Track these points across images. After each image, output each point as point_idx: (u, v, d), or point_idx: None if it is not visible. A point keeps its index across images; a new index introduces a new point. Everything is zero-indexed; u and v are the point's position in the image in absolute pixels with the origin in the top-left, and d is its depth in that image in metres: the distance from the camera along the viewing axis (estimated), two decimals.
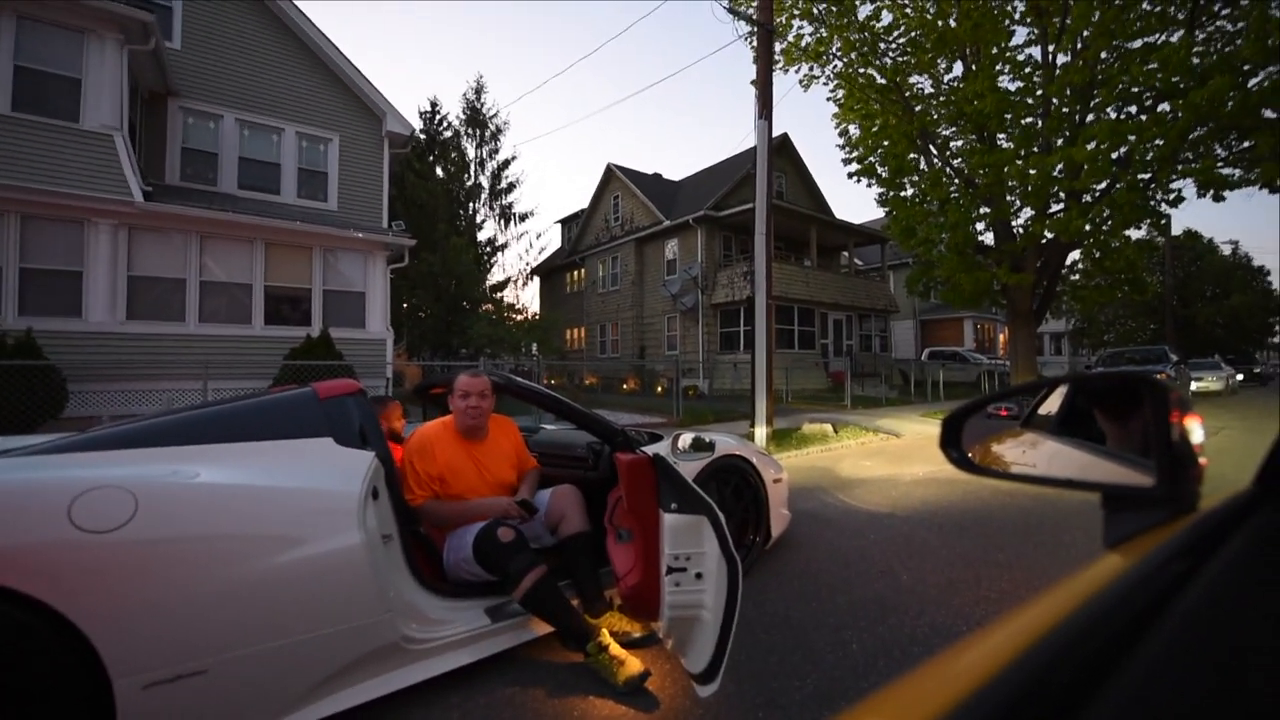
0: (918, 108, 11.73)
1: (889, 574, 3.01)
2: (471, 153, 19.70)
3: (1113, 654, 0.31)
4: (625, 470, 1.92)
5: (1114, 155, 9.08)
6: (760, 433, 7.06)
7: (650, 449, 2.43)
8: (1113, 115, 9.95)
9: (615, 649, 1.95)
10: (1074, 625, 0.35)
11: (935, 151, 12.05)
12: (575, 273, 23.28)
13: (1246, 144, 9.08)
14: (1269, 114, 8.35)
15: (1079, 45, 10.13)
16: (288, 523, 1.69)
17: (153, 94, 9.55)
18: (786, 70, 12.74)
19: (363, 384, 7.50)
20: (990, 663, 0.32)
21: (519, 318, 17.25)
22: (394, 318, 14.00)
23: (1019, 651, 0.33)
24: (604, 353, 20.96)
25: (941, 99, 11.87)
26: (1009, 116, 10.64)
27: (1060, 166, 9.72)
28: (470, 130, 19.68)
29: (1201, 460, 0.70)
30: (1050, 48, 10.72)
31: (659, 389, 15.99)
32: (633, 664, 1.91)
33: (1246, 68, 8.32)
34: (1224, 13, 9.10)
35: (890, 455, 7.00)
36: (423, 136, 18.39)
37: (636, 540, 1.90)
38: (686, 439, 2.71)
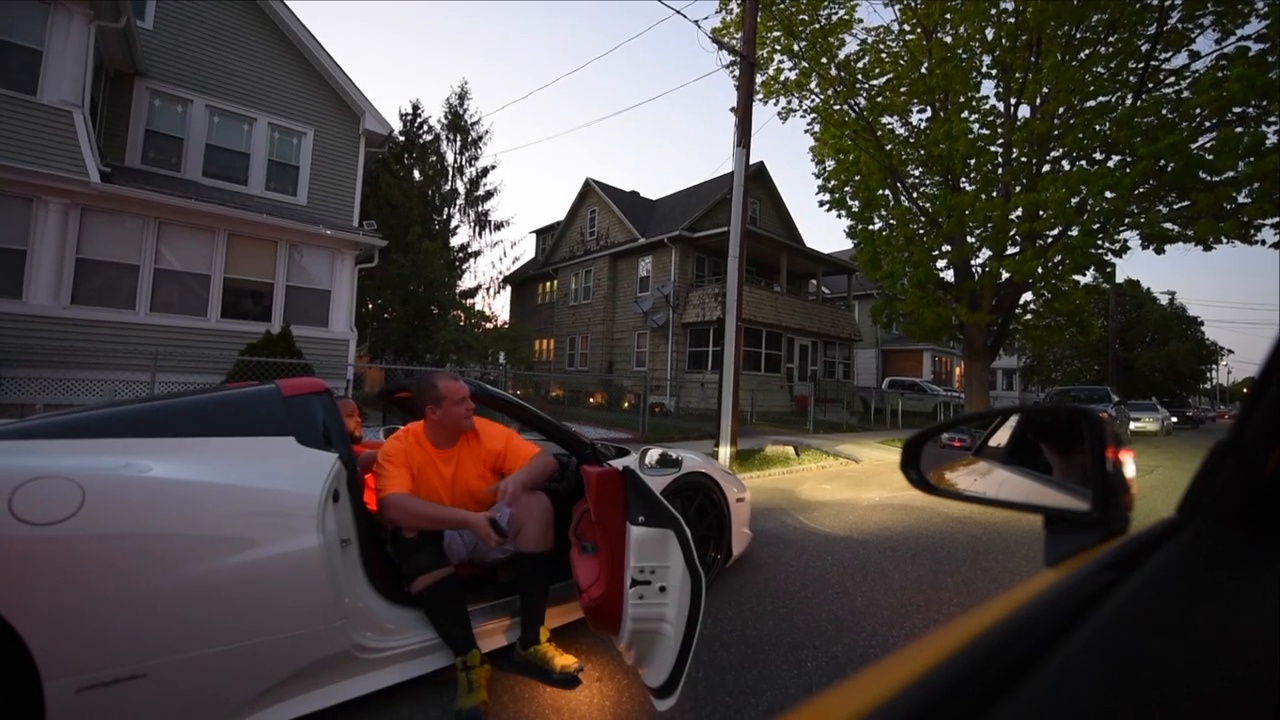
0: (889, 147, 12.23)
1: (844, 595, 3.08)
2: (451, 158, 19.56)
3: (1032, 656, 0.35)
4: (594, 482, 1.93)
5: (1070, 202, 9.64)
6: (724, 452, 7.14)
7: (618, 463, 2.44)
8: (1068, 166, 10.59)
9: (551, 645, 2.11)
10: (1000, 631, 0.39)
11: (903, 189, 12.57)
12: (548, 284, 23.21)
13: (1185, 203, 9.76)
14: (1206, 176, 9.01)
15: (1039, 100, 10.78)
16: (243, 523, 1.64)
17: (119, 73, 9.22)
18: (766, 101, 13.15)
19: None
20: (919, 666, 0.35)
21: (488, 326, 17.07)
22: (358, 318, 13.67)
23: (948, 654, 0.36)
24: (573, 365, 20.88)
25: (911, 141, 12.41)
26: (972, 162, 11.20)
27: (1018, 211, 10.25)
28: (451, 135, 19.56)
29: (1132, 489, 0.76)
30: (1013, 100, 11.38)
31: (626, 404, 16.00)
32: (569, 658, 2.08)
33: (1186, 130, 9.00)
34: (1169, 80, 9.84)
35: (849, 480, 7.16)
36: (402, 138, 18.17)
37: (601, 553, 1.91)
38: (654, 454, 2.74)
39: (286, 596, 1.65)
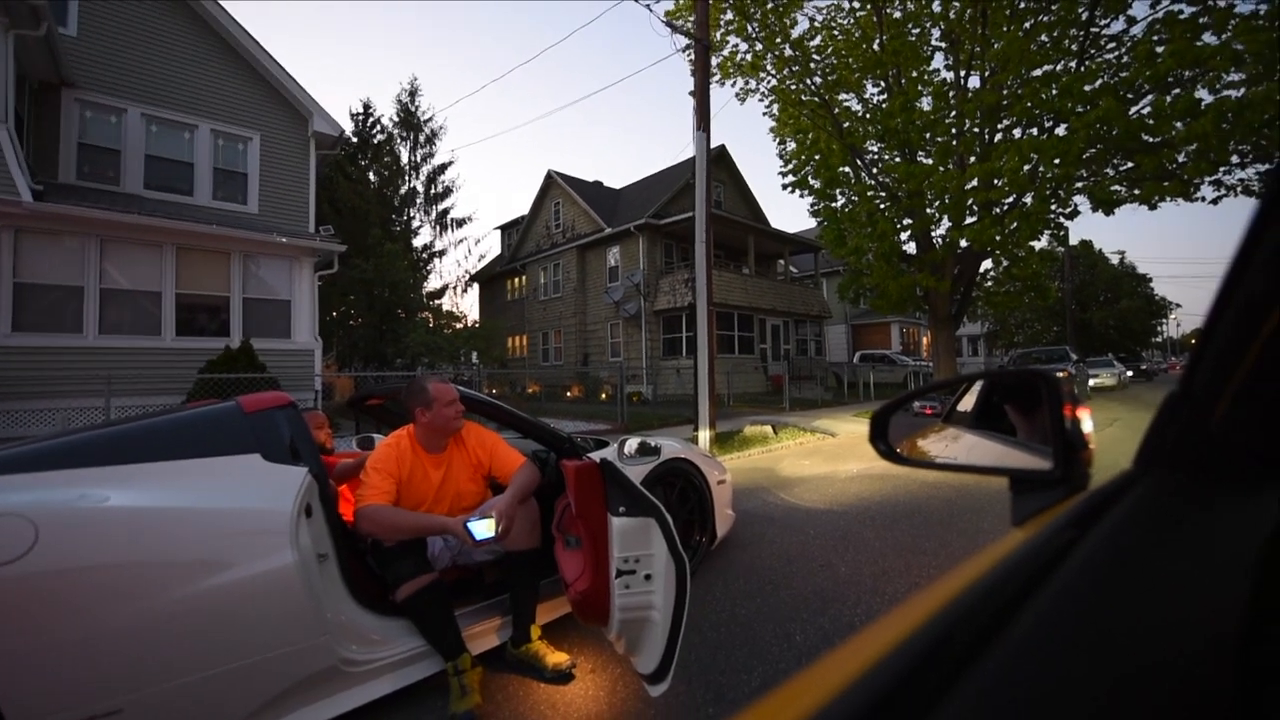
0: (846, 124, 12.36)
1: (828, 567, 3.14)
2: (405, 157, 19.12)
3: (1001, 617, 0.35)
4: (573, 476, 1.92)
5: (1022, 171, 9.91)
6: (704, 436, 7.19)
7: (597, 455, 2.44)
8: (1019, 135, 10.86)
9: (543, 643, 2.12)
10: (971, 595, 0.39)
11: (863, 165, 12.74)
12: (516, 280, 22.95)
13: (1130, 165, 10.12)
14: (1148, 139, 9.36)
15: (989, 72, 11.01)
16: (213, 546, 1.59)
17: (45, 84, 8.72)
18: (724, 83, 13.15)
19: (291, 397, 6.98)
20: (889, 641, 0.36)
21: (458, 325, 16.81)
22: (323, 327, 13.30)
23: (922, 622, 0.37)
24: (547, 360, 20.75)
25: (867, 116, 12.56)
26: (928, 135, 11.40)
27: (974, 181, 10.50)
28: (404, 133, 19.10)
29: (1091, 446, 0.79)
30: (963, 73, 11.60)
31: (603, 395, 15.99)
32: (562, 655, 2.09)
33: (1129, 96, 9.31)
34: (1109, 46, 10.13)
35: (827, 454, 7.30)
36: (354, 139, 17.66)
37: (585, 546, 1.91)
38: (633, 444, 2.74)
39: (264, 617, 1.60)
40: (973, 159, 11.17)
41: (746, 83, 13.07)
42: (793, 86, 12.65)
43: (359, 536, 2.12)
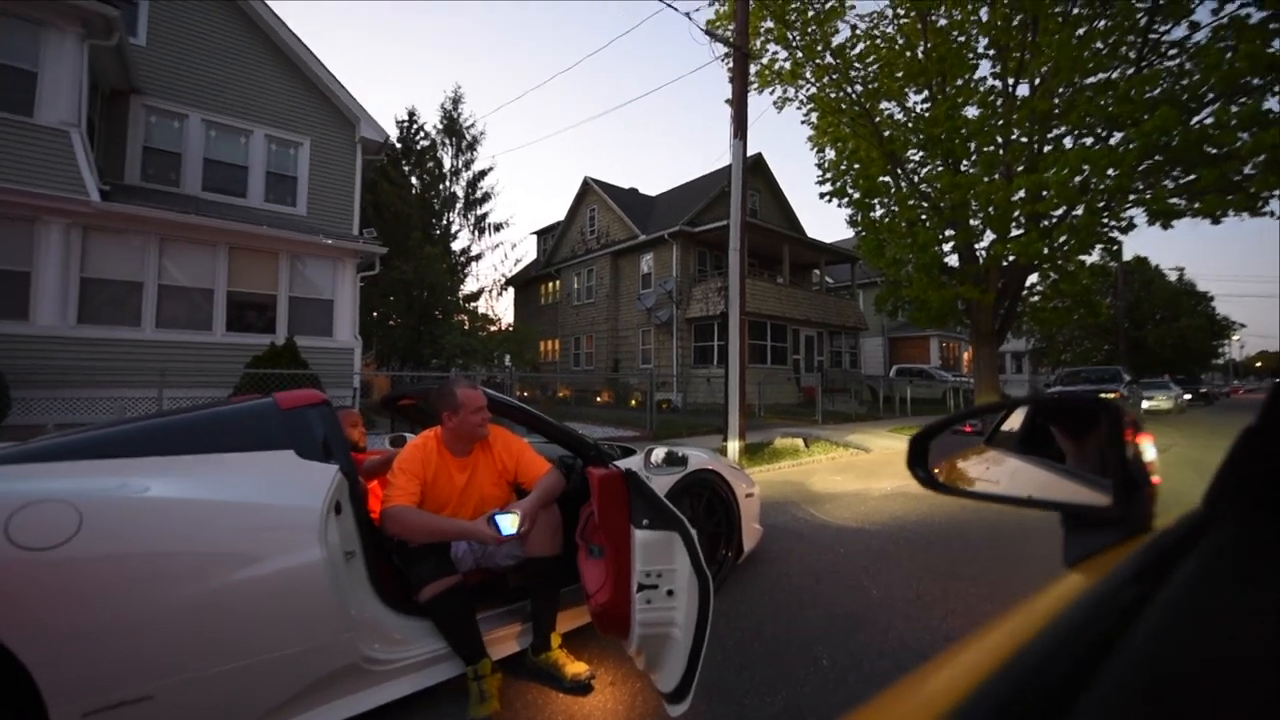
0: (887, 133, 12.11)
1: (859, 588, 3.04)
2: (448, 162, 19.56)
3: (1077, 677, 0.31)
4: (597, 485, 1.90)
5: (1072, 182, 9.52)
6: (733, 447, 7.10)
7: (623, 463, 2.41)
8: (1070, 145, 10.44)
9: (563, 651, 2.09)
10: (1038, 648, 0.35)
11: (903, 175, 12.45)
12: (550, 284, 23.21)
13: (1191, 177, 9.60)
14: (1211, 150, 8.87)
15: (1039, 79, 10.64)
16: (244, 539, 1.62)
17: (114, 91, 9.25)
18: (761, 91, 13.04)
19: (329, 394, 7.28)
20: (956, 687, 0.33)
21: (493, 328, 17.08)
22: (363, 326, 13.67)
23: (985, 675, 0.33)
24: (578, 365, 20.88)
25: (910, 125, 12.29)
26: (973, 144, 11.07)
27: (1021, 193, 10.13)
28: (447, 140, 19.56)
29: (1154, 479, 0.72)
30: (1011, 80, 11.24)
31: (633, 402, 15.98)
32: (581, 666, 2.06)
33: (1191, 105, 8.86)
34: (1171, 53, 9.67)
35: (860, 470, 7.11)
36: (398, 145, 18.20)
37: (608, 556, 1.88)
38: (659, 453, 2.70)
39: (291, 611, 1.63)
40: (1020, 169, 10.79)
41: (785, 91, 12.95)
42: (832, 95, 12.47)
43: (385, 536, 2.15)
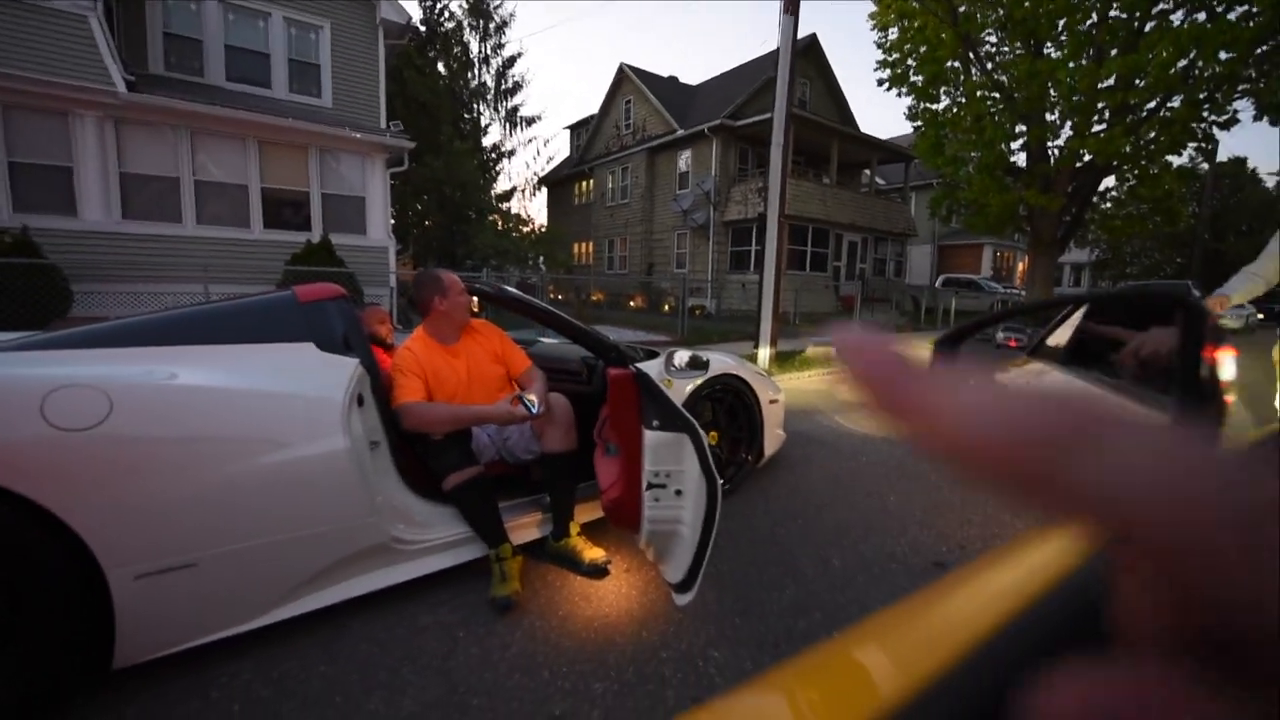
0: (962, 8, 10.67)
1: (877, 495, 3.05)
2: (475, 47, 18.40)
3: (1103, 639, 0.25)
4: (610, 385, 1.88)
5: (1175, 66, 8.32)
6: (763, 354, 7.02)
7: (645, 366, 2.38)
8: (1177, 23, 9.02)
9: (581, 539, 2.20)
10: (1074, 585, 0.29)
11: (976, 60, 11.10)
12: (584, 183, 22.42)
13: None
14: None
15: None
16: (270, 427, 1.68)
17: None
18: None
19: (367, 293, 7.35)
20: (988, 611, 0.27)
21: (525, 229, 16.83)
22: (399, 226, 13.64)
23: (1008, 614, 0.27)
24: (611, 268, 20.62)
25: (989, 1, 10.77)
26: (1061, 22, 9.67)
27: (1111, 80, 8.95)
28: (474, 21, 18.25)
29: (1226, 398, 0.62)
30: None
31: (666, 307, 15.86)
32: (598, 550, 2.17)
33: None
34: None
35: None
36: (422, 28, 17.08)
37: (620, 454, 1.89)
38: (683, 356, 2.66)
39: (319, 495, 1.71)
40: (1113, 52, 9.46)
41: None
42: None
43: (406, 431, 2.21)
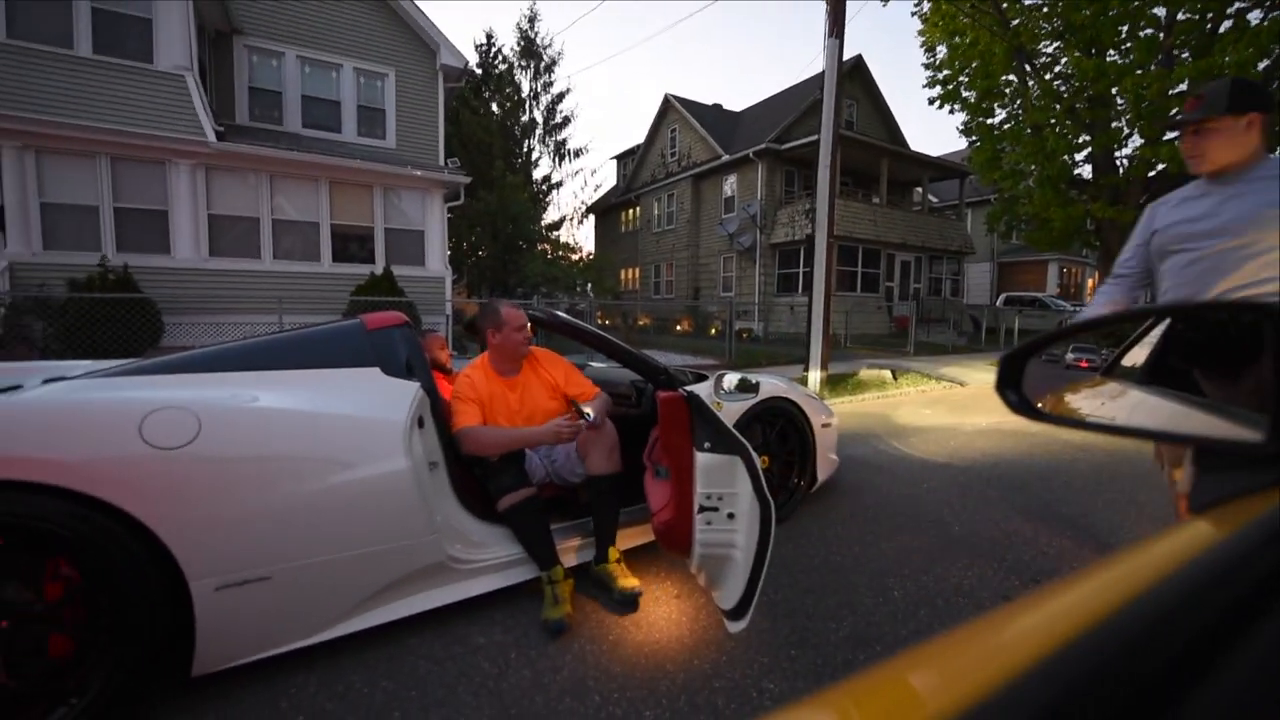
0: (1015, 21, 10.40)
1: (940, 523, 2.91)
2: (526, 86, 19.27)
3: (1210, 644, 0.24)
4: (661, 407, 1.89)
5: (1256, 66, 7.80)
6: (814, 376, 6.87)
7: (694, 388, 2.38)
8: (1256, 21, 8.49)
9: (619, 565, 2.17)
10: (1156, 601, 0.27)
11: (1032, 72, 10.75)
12: (630, 211, 22.85)
13: None
14: None
15: None
16: (339, 446, 1.77)
17: (219, 33, 9.73)
18: None
19: (424, 321, 7.67)
20: (1049, 635, 0.27)
21: (574, 257, 17.25)
22: (453, 257, 14.22)
23: (1087, 626, 0.26)
24: (658, 293, 20.78)
25: (1045, 9, 10.46)
26: (1124, 27, 9.27)
27: (1184, 85, 8.48)
28: (524, 62, 19.17)
29: None
30: None
31: (713, 331, 15.79)
32: (633, 580, 2.13)
33: None
34: None
35: (952, 404, 6.68)
36: (477, 70, 18.08)
37: (671, 477, 1.89)
38: (732, 379, 2.64)
39: (382, 513, 1.79)
40: (1185, 55, 8.97)
41: None
42: None
43: (464, 454, 2.28)
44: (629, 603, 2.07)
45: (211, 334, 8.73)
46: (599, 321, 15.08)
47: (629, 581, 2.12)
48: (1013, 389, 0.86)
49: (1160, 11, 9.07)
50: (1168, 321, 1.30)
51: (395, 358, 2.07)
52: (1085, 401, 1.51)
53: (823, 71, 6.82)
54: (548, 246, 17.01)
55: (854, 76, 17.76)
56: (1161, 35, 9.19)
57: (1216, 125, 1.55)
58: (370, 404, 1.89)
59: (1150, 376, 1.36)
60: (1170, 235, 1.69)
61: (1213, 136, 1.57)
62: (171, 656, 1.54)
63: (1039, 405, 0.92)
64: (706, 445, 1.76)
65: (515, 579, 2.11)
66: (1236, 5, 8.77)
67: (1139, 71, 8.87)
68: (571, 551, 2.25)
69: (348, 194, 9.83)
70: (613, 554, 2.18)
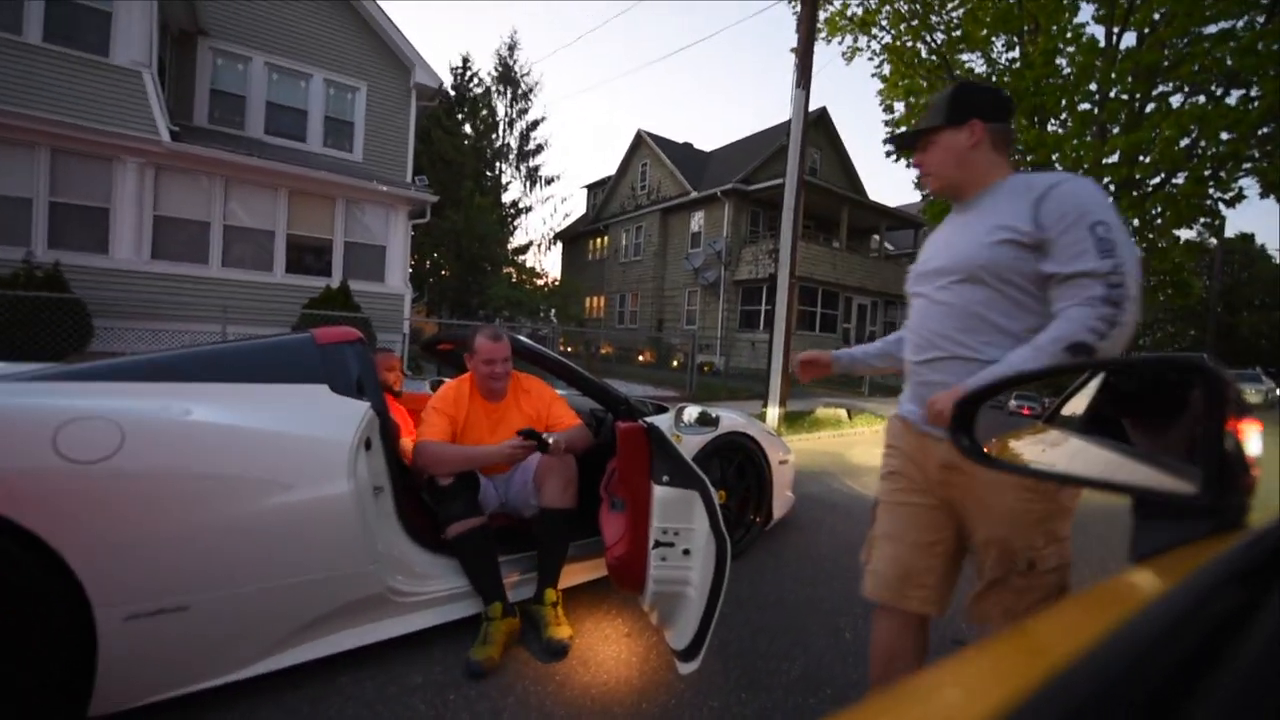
0: None
1: None
2: (501, 111, 19.43)
3: (1165, 699, 0.23)
4: (621, 438, 1.86)
5: (1178, 145, 8.58)
6: (772, 413, 6.97)
7: (654, 420, 2.36)
8: (1177, 103, 9.38)
9: (554, 610, 2.03)
10: (1105, 657, 0.27)
11: None
12: (598, 240, 23.05)
13: None
14: None
15: (1149, 28, 9.50)
16: (277, 467, 1.67)
17: (183, 32, 9.47)
18: (830, 40, 12.23)
19: (380, 339, 7.47)
20: (1001, 686, 0.26)
21: (540, 282, 17.20)
22: (415, 274, 13.98)
23: (1041, 678, 0.26)
24: (622, 323, 20.87)
25: (993, 78, 11.29)
26: (1063, 100, 10.09)
27: (1115, 155, 9.24)
28: (501, 88, 19.36)
29: (1255, 471, 0.60)
30: (1116, 29, 10.09)
31: (675, 363, 15.91)
32: (565, 629, 1.98)
33: None
34: None
35: None
36: (453, 92, 18.14)
37: (627, 510, 1.85)
38: (692, 412, 2.64)
39: (320, 539, 1.68)
40: (1116, 130, 9.80)
41: (855, 40, 12.11)
42: (909, 43, 11.56)
43: (417, 474, 2.19)
44: (556, 653, 1.91)
45: (148, 341, 8.24)
46: (561, 348, 14.99)
47: (561, 631, 1.96)
48: (965, 434, 0.88)
49: (1094, 87, 9.92)
50: (1102, 375, 1.37)
51: (345, 375, 1.97)
52: (1029, 448, 1.57)
53: (789, 120, 7.13)
54: (513, 270, 16.93)
55: (818, 126, 18.64)
56: (1095, 109, 10.05)
57: (936, 138, 1.31)
58: (314, 422, 1.79)
59: (1089, 426, 1.42)
60: (910, 278, 1.41)
61: (932, 151, 1.32)
62: (68, 693, 1.38)
63: (986, 450, 0.95)
64: (665, 479, 1.73)
65: (458, 614, 2.01)
66: (1160, 89, 9.70)
67: (1075, 141, 9.63)
68: (510, 587, 2.16)
69: (308, 204, 9.58)
70: (549, 595, 2.05)
